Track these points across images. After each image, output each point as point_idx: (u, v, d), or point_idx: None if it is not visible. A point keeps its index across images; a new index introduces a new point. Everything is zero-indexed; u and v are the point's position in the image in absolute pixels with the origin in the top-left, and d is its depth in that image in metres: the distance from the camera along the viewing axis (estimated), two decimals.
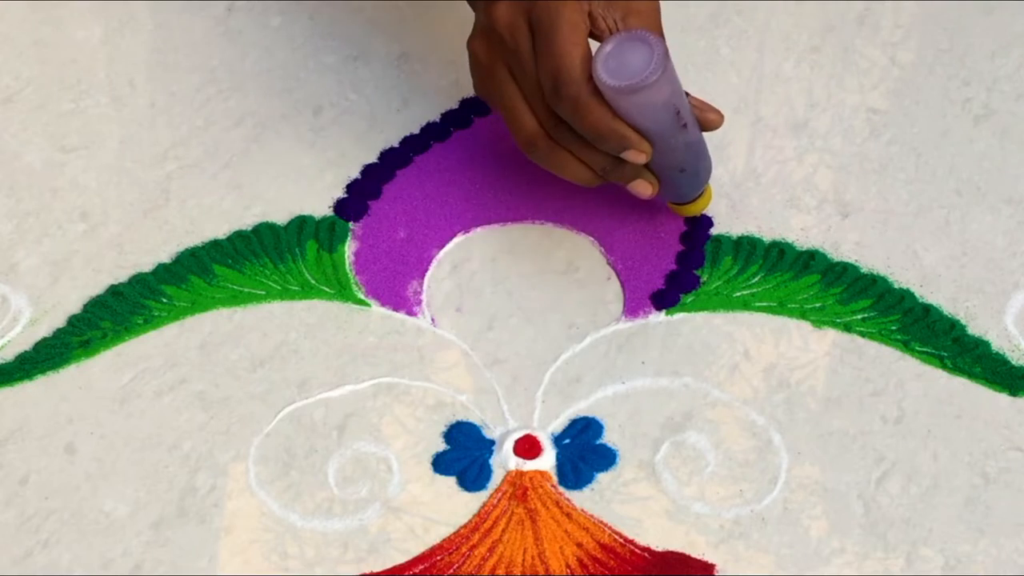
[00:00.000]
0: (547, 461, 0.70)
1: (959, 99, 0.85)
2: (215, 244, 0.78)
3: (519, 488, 0.69)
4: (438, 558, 0.67)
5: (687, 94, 0.72)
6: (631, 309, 0.76)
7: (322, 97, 0.86)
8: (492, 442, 0.71)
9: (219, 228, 0.79)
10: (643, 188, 0.73)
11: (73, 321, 0.75)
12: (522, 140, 0.73)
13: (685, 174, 0.74)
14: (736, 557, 0.67)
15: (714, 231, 0.79)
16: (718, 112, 0.73)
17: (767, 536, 0.68)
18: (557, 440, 0.71)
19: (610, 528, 0.68)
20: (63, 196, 0.81)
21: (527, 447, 0.71)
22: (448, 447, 0.71)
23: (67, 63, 0.88)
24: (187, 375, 0.73)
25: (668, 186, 0.75)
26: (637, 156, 0.71)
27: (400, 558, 0.67)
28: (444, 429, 0.71)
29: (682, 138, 0.72)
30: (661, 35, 0.72)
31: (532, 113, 0.72)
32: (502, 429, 0.71)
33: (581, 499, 0.69)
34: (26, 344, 0.75)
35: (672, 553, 0.67)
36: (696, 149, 0.73)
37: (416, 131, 0.84)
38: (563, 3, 0.70)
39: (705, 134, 0.73)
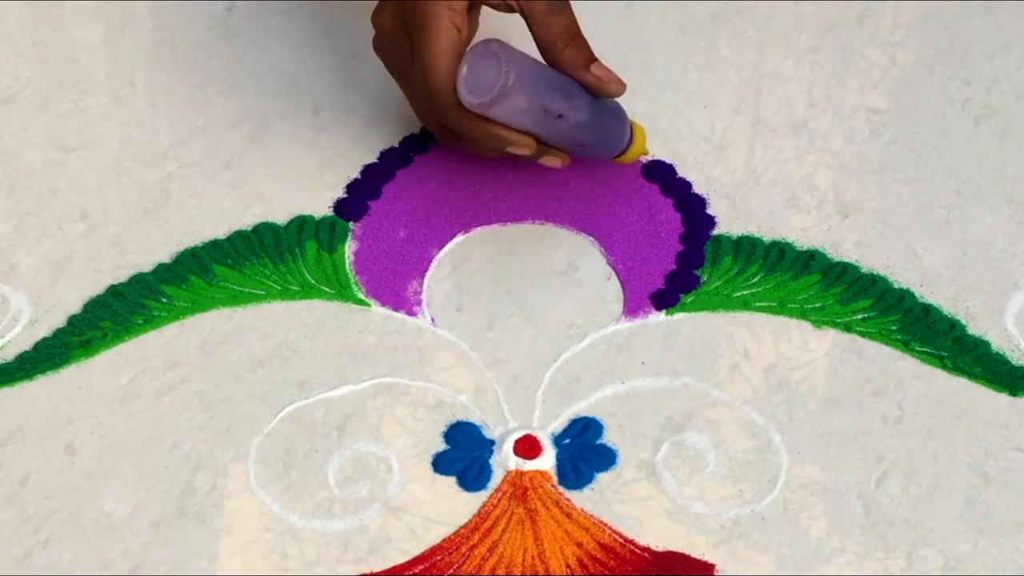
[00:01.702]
0: (547, 461, 0.70)
1: (959, 99, 0.85)
2: (215, 244, 0.78)
3: (519, 488, 0.69)
4: (438, 558, 0.67)
5: (593, 61, 0.74)
6: (631, 309, 0.76)
7: (322, 97, 0.86)
8: (492, 442, 0.71)
9: (219, 228, 0.79)
10: (552, 163, 0.76)
11: (73, 321, 0.75)
12: (428, 128, 0.80)
13: (586, 147, 0.76)
14: (736, 557, 0.67)
15: (714, 231, 0.79)
16: (619, 82, 0.75)
17: (767, 536, 0.68)
18: (557, 440, 0.71)
19: (610, 528, 0.68)
20: (63, 196, 0.81)
21: (527, 447, 0.71)
22: (448, 447, 0.71)
23: (67, 63, 0.88)
24: (187, 375, 0.73)
25: (580, 156, 0.77)
26: (520, 150, 0.74)
27: (400, 558, 0.67)
28: (444, 429, 0.71)
29: (563, 125, 0.74)
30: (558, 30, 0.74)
31: (429, 112, 0.77)
32: (502, 429, 0.71)
33: (581, 499, 0.69)
34: (26, 344, 0.75)
35: (672, 553, 0.67)
36: (588, 125, 0.75)
37: (416, 131, 0.84)
38: (433, 7, 0.73)
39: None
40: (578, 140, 0.75)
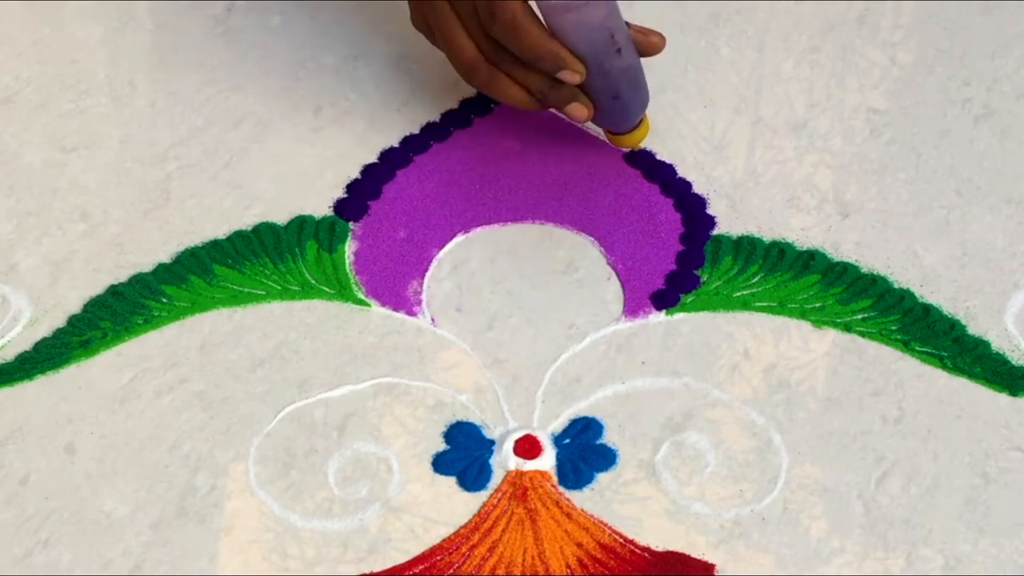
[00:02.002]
0: (547, 461, 0.70)
1: (959, 99, 0.85)
2: (215, 244, 0.78)
3: (519, 488, 0.69)
4: (438, 558, 0.67)
5: (628, 24, 0.76)
6: (631, 309, 0.76)
7: (322, 97, 0.86)
8: (492, 442, 0.71)
9: (219, 228, 0.79)
10: (579, 111, 0.77)
11: (73, 321, 0.75)
12: (462, 66, 0.77)
13: (619, 101, 0.77)
14: (736, 557, 0.67)
15: (714, 231, 0.79)
16: (659, 35, 0.77)
17: (767, 536, 0.68)
18: (557, 440, 0.71)
19: (610, 528, 0.68)
20: (63, 196, 0.81)
21: (527, 447, 0.71)
22: (448, 447, 0.71)
23: (67, 63, 0.88)
24: (187, 375, 0.73)
25: (603, 113, 0.78)
26: (572, 76, 0.74)
27: (400, 558, 0.67)
28: (444, 429, 0.71)
29: (616, 63, 0.75)
30: None
31: (471, 39, 0.76)
32: (502, 429, 0.71)
33: (581, 499, 0.69)
34: (26, 344, 0.75)
35: (672, 553, 0.67)
36: (631, 75, 0.77)
37: (416, 131, 0.84)
38: None
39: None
40: (617, 89, 0.77)
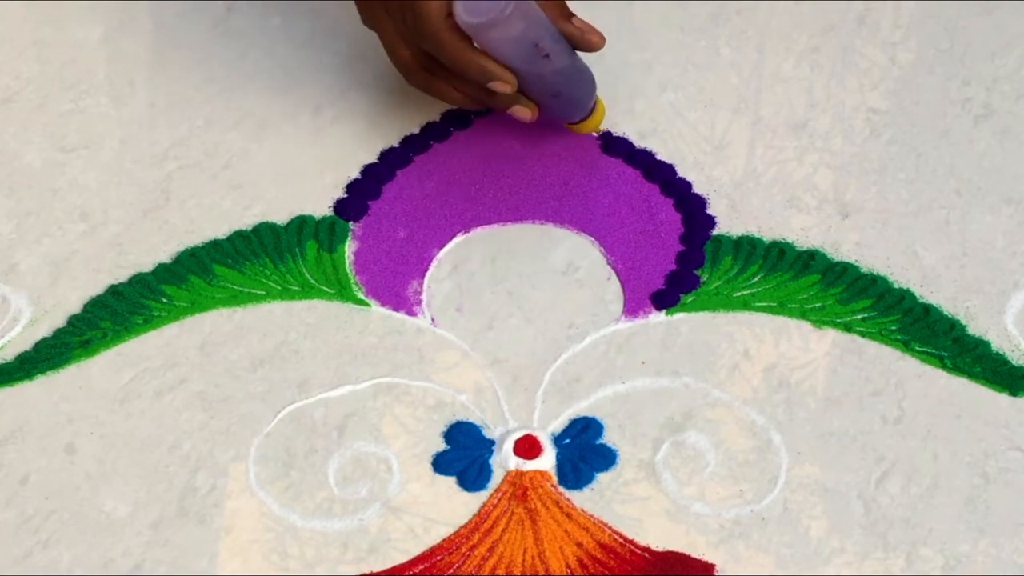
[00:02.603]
0: (547, 461, 0.70)
1: (959, 99, 0.85)
2: (215, 244, 0.78)
3: (519, 488, 0.69)
4: (438, 558, 0.67)
5: (572, 15, 0.77)
6: (631, 309, 0.76)
7: (322, 97, 0.86)
8: (492, 442, 0.71)
9: (219, 228, 0.79)
10: (522, 113, 0.78)
11: (73, 321, 0.75)
12: (401, 71, 0.79)
13: (561, 98, 0.78)
14: (736, 557, 0.67)
15: (714, 231, 0.79)
16: (599, 35, 0.77)
17: (767, 536, 0.68)
18: (557, 440, 0.71)
19: (610, 528, 0.68)
20: (63, 196, 0.81)
21: (527, 447, 0.71)
22: (448, 447, 0.71)
23: (67, 63, 0.88)
24: (187, 375, 0.73)
25: (548, 110, 0.79)
26: (502, 86, 0.75)
27: (400, 558, 0.67)
28: (444, 429, 0.71)
29: (547, 67, 0.75)
30: None
31: (406, 45, 0.78)
32: (502, 429, 0.71)
33: (581, 499, 0.69)
34: (26, 344, 0.75)
35: (672, 553, 0.67)
36: (567, 74, 0.77)
37: (416, 131, 0.84)
38: None
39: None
40: (554, 89, 0.77)
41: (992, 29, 0.88)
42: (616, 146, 0.83)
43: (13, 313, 0.76)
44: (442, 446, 0.71)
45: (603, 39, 0.78)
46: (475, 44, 0.74)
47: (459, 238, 0.79)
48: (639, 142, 0.83)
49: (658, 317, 0.76)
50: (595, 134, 0.83)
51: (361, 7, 0.79)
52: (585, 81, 0.79)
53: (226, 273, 0.77)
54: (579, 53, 0.78)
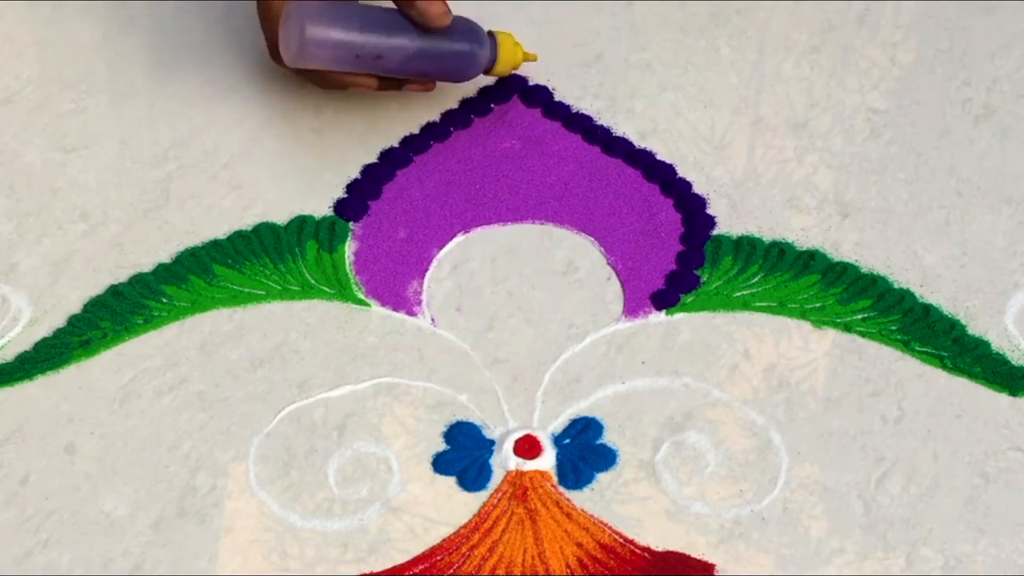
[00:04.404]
0: (547, 461, 0.70)
1: (959, 99, 0.85)
2: (215, 244, 0.78)
3: (519, 488, 0.69)
4: (438, 558, 0.67)
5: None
6: (631, 309, 0.76)
7: (322, 97, 0.86)
8: (492, 442, 0.71)
9: (219, 228, 0.79)
10: (416, 89, 0.81)
11: (73, 321, 0.75)
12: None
13: (432, 73, 0.79)
14: (736, 557, 0.67)
15: (714, 231, 0.79)
16: (441, 13, 0.77)
17: (767, 536, 0.68)
18: (557, 440, 0.71)
19: (610, 528, 0.68)
20: (63, 196, 0.81)
21: (527, 447, 0.71)
22: (448, 447, 0.71)
23: (67, 63, 0.88)
24: (187, 375, 0.73)
25: (441, 77, 0.80)
26: (365, 92, 0.81)
27: (400, 558, 0.67)
28: (444, 429, 0.71)
29: (389, 64, 0.77)
30: None
31: None
32: (502, 429, 0.71)
33: (581, 499, 0.69)
34: (26, 344, 0.75)
35: (672, 553, 0.67)
36: (420, 55, 0.78)
37: (416, 131, 0.84)
38: None
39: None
40: (417, 70, 0.78)
41: (992, 29, 0.88)
42: (616, 146, 0.83)
43: (13, 313, 0.76)
44: (442, 446, 0.71)
45: (446, 15, 0.77)
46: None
47: (459, 238, 0.79)
48: (639, 142, 0.83)
49: (658, 317, 0.76)
50: (529, 61, 0.83)
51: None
52: (451, 49, 0.79)
53: (226, 273, 0.77)
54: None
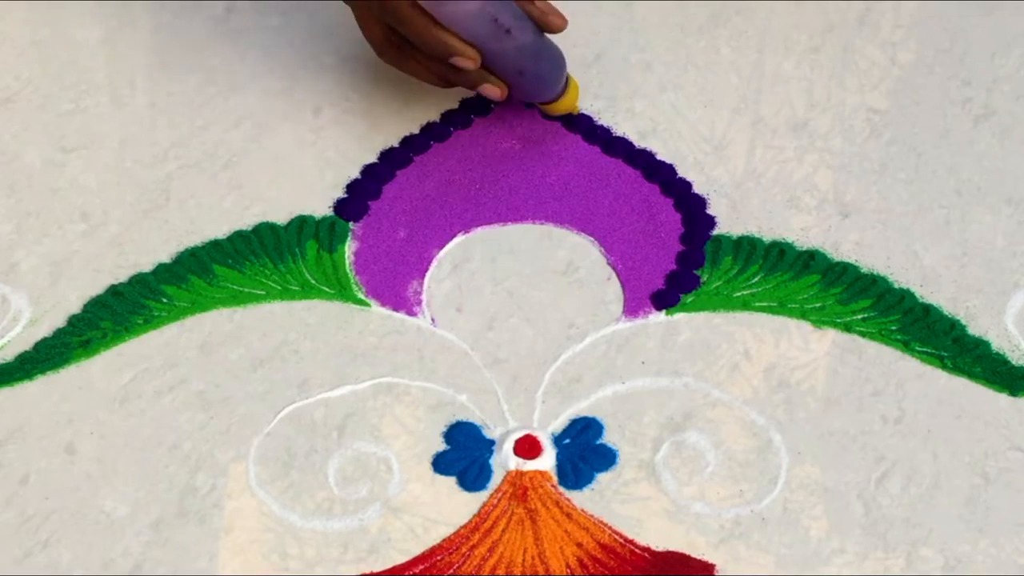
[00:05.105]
0: (547, 461, 0.70)
1: (959, 99, 0.85)
2: (215, 244, 0.78)
3: (519, 488, 0.69)
4: (438, 558, 0.67)
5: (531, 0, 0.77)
6: (631, 309, 0.76)
7: (322, 97, 0.86)
8: (492, 442, 0.71)
9: (219, 228, 0.79)
10: (491, 91, 0.79)
11: (73, 321, 0.75)
12: (374, 47, 0.80)
13: (526, 76, 0.78)
14: (736, 557, 0.67)
15: (714, 231, 0.79)
16: (561, 16, 0.78)
17: (767, 536, 0.68)
18: (557, 440, 0.71)
19: (610, 528, 0.68)
20: (63, 196, 0.81)
21: (527, 447, 0.71)
22: (448, 447, 0.71)
23: (67, 63, 0.88)
24: (187, 375, 0.73)
25: (517, 89, 0.79)
26: (464, 62, 0.76)
27: (400, 558, 0.67)
28: (444, 429, 0.71)
29: (509, 43, 0.76)
30: None
31: (377, 22, 0.78)
32: (502, 429, 0.71)
33: (581, 499, 0.69)
34: (26, 344, 0.75)
35: (672, 553, 0.67)
36: (532, 51, 0.77)
37: (416, 131, 0.84)
38: None
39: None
40: (519, 65, 0.77)
41: (992, 29, 0.88)
42: (616, 146, 0.83)
43: (13, 313, 0.76)
44: (442, 446, 0.71)
45: (564, 21, 0.78)
46: (437, 20, 0.75)
47: (459, 238, 0.79)
48: (639, 142, 0.83)
49: (658, 317, 0.76)
50: (573, 113, 0.84)
51: None
52: (551, 59, 0.79)
53: (226, 273, 0.77)
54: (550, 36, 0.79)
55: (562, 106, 0.82)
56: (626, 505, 0.69)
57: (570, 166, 0.82)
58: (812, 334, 0.75)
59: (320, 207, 0.80)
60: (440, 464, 0.70)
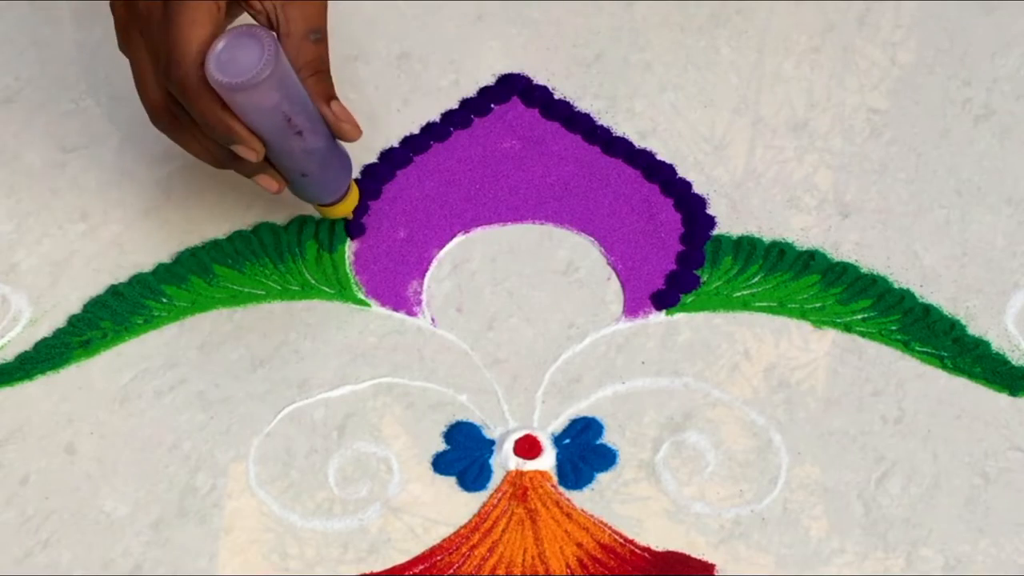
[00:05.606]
0: (547, 461, 0.70)
1: (959, 99, 0.85)
2: (215, 244, 0.78)
3: (519, 488, 0.69)
4: (438, 558, 0.67)
5: (333, 98, 0.72)
6: (631, 309, 0.76)
7: None
8: (492, 442, 0.71)
9: (219, 228, 0.79)
10: (267, 183, 0.73)
11: (73, 321, 0.75)
12: (147, 110, 0.72)
13: (309, 179, 0.73)
14: (736, 557, 0.67)
15: (714, 231, 0.79)
16: (356, 127, 0.73)
17: (767, 536, 0.68)
18: (557, 440, 0.71)
19: (610, 528, 0.68)
20: (63, 196, 0.81)
21: (527, 447, 0.71)
22: (448, 447, 0.71)
23: (67, 63, 0.88)
24: (187, 375, 0.73)
25: (295, 186, 0.74)
26: (247, 152, 0.69)
27: (400, 558, 0.67)
28: (444, 429, 0.71)
29: (298, 144, 0.70)
30: (321, 28, 0.72)
31: (157, 83, 0.71)
32: (502, 429, 0.71)
33: (581, 499, 0.69)
34: (26, 344, 0.75)
35: (672, 553, 0.67)
36: (320, 156, 0.72)
37: (416, 131, 0.84)
38: None
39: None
40: (304, 167, 0.72)
41: (992, 29, 0.88)
42: (616, 146, 0.83)
43: (13, 313, 0.76)
44: (442, 446, 0.71)
45: (359, 132, 0.73)
46: (226, 104, 0.68)
47: (459, 238, 0.79)
48: (639, 142, 0.83)
49: (658, 317, 0.76)
50: (348, 219, 0.79)
51: (118, 30, 0.72)
52: (338, 167, 0.74)
53: (226, 273, 0.77)
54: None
55: (336, 211, 0.77)
56: (626, 505, 0.69)
57: (570, 166, 0.82)
58: (812, 334, 0.75)
59: None
60: (440, 464, 0.70)
